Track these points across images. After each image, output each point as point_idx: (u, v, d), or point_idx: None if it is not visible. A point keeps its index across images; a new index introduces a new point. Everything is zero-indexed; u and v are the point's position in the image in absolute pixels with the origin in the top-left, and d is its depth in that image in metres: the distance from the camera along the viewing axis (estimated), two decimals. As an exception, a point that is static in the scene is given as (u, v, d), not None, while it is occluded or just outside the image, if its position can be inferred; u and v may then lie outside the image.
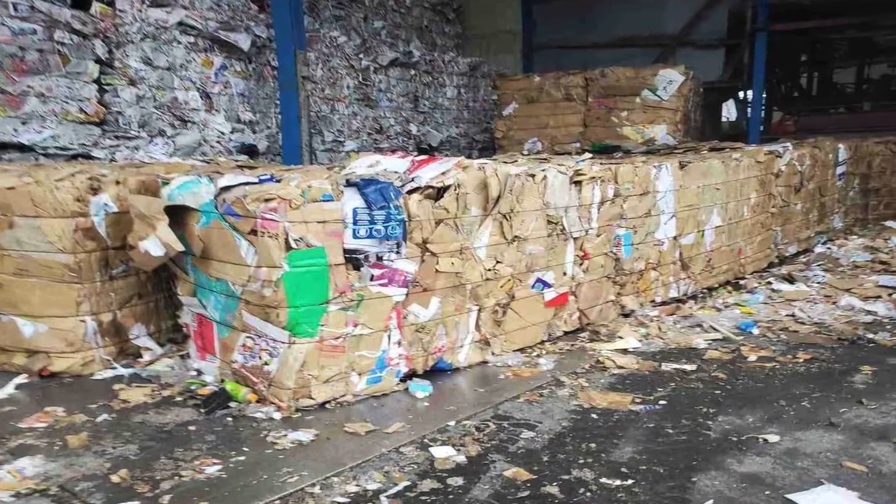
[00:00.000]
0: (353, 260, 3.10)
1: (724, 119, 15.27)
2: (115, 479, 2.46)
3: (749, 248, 5.83)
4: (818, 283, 5.51)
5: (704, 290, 5.30)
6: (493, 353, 3.77)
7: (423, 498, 2.34)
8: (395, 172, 3.34)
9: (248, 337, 3.17)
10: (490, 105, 11.27)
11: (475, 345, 3.69)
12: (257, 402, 3.10)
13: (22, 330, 3.55)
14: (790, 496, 2.33)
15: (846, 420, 2.95)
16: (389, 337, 3.27)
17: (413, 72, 10.14)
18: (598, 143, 8.80)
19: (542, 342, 4.05)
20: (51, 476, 2.49)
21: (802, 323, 4.47)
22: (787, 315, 4.64)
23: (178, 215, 3.31)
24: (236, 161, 5.43)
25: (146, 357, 3.73)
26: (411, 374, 3.41)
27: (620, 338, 4.14)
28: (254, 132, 7.73)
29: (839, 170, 7.57)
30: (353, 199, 3.08)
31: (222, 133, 7.29)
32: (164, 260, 3.37)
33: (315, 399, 3.07)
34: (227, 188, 3.14)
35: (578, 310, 4.28)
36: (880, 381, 3.42)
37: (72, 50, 5.88)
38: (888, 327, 4.33)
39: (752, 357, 3.81)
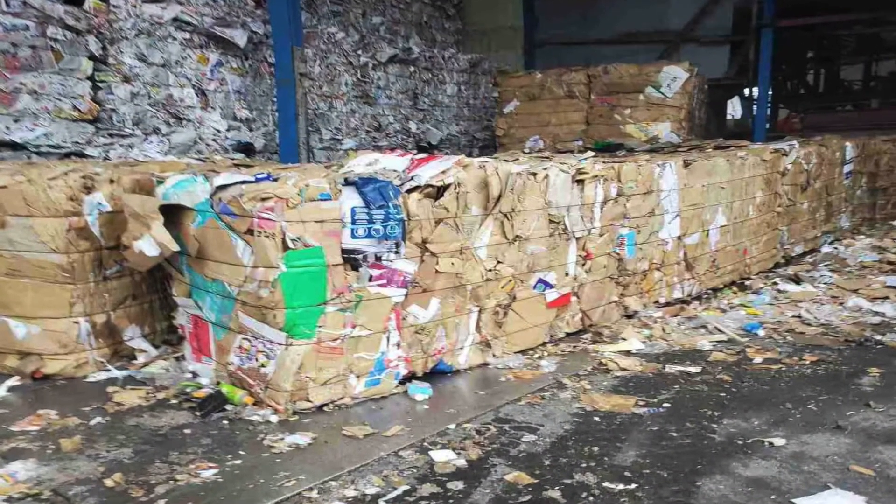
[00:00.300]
0: (352, 260, 3.10)
1: (729, 117, 15.28)
2: (108, 483, 2.46)
3: (754, 248, 5.83)
4: (825, 283, 5.51)
5: (709, 291, 5.29)
6: (493, 355, 3.77)
7: (423, 503, 2.34)
8: (394, 171, 3.34)
9: (244, 338, 3.17)
10: (491, 102, 11.26)
11: (476, 346, 3.69)
12: (254, 404, 3.10)
13: (14, 331, 3.55)
14: (796, 501, 2.33)
15: (853, 423, 2.95)
16: (388, 338, 3.27)
17: (412, 68, 10.14)
18: (600, 141, 8.80)
19: (544, 344, 4.05)
20: (43, 480, 2.49)
21: (809, 324, 4.47)
22: (793, 316, 4.64)
23: (173, 215, 3.31)
24: (232, 159, 5.42)
25: (141, 359, 3.73)
26: (410, 377, 3.41)
27: (624, 339, 4.14)
28: (250, 130, 7.74)
29: (846, 168, 7.57)
30: (351, 198, 3.08)
31: (218, 131, 7.29)
32: (159, 260, 3.37)
33: (312, 402, 3.07)
34: (222, 187, 3.14)
35: (581, 311, 4.28)
36: (888, 384, 3.41)
37: (65, 46, 5.88)
38: (896, 329, 4.33)
39: (758, 359, 3.81)
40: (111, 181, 3.63)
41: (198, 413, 3.06)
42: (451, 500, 2.35)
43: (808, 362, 3.75)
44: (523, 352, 3.90)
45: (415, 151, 6.18)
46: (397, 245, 3.20)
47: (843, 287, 5.33)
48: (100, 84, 6.22)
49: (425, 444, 2.78)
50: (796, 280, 5.64)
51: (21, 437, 2.87)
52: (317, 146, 8.44)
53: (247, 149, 7.58)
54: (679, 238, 4.95)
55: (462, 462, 2.62)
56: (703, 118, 9.95)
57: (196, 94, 7.07)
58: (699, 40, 12.20)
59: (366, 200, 3.10)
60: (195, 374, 3.47)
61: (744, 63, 12.19)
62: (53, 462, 2.63)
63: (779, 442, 2.77)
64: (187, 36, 6.95)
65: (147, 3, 6.59)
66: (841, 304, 4.90)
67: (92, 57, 6.10)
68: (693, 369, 3.65)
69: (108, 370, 3.60)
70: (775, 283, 5.54)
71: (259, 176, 3.23)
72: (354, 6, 9.97)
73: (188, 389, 3.31)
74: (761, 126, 12.04)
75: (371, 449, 2.72)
